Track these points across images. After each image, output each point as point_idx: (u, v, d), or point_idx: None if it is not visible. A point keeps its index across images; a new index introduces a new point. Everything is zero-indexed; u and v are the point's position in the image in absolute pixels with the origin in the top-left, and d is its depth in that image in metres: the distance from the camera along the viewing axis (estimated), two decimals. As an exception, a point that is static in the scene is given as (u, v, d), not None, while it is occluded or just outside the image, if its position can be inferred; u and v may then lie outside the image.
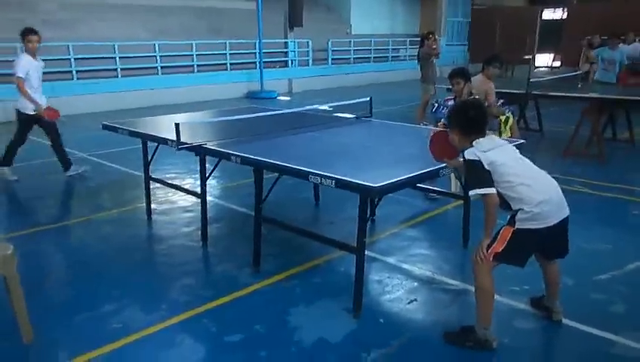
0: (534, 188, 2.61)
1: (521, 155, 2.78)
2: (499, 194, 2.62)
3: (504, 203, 2.66)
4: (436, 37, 9.63)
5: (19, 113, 6.06)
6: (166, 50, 13.57)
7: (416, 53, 9.72)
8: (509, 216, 2.70)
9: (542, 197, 2.61)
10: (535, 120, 8.76)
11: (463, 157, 2.71)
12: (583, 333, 2.94)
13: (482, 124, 2.75)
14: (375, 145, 3.93)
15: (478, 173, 2.62)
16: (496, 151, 2.65)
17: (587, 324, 3.00)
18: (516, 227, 2.64)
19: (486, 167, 2.60)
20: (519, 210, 2.62)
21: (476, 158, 2.62)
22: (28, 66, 5.91)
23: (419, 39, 10.07)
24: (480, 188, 2.60)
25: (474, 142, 2.68)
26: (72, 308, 3.25)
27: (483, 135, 2.73)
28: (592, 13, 18.29)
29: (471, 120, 2.74)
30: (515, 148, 2.82)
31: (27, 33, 5.95)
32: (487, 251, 2.67)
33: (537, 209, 2.59)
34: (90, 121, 9.82)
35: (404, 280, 3.64)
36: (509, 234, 2.65)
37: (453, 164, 3.00)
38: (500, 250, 2.65)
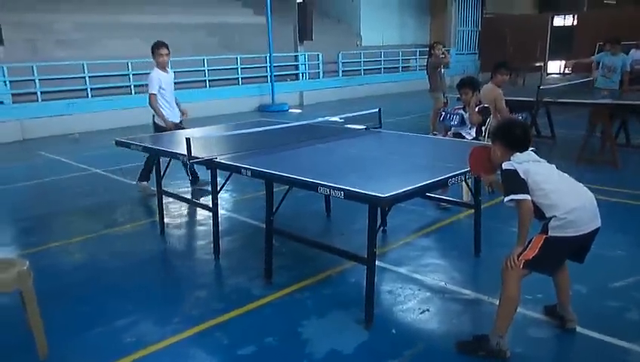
0: (568, 196, 2.67)
1: (554, 169, 2.81)
2: (533, 203, 2.65)
3: (538, 212, 2.69)
4: (443, 47, 9.66)
5: (155, 126, 6.10)
6: (178, 67, 13.74)
7: (425, 64, 9.80)
8: (541, 225, 2.73)
9: (575, 204, 2.65)
10: (547, 127, 8.71)
11: (501, 170, 2.75)
12: (597, 341, 2.91)
13: (526, 143, 2.81)
14: (384, 155, 3.94)
15: (514, 181, 2.67)
16: (532, 163, 2.72)
17: (601, 332, 2.96)
18: (549, 235, 2.67)
19: (521, 175, 2.65)
20: (552, 217, 2.64)
21: (512, 168, 2.68)
22: (159, 81, 5.98)
23: (428, 49, 10.14)
24: (515, 193, 2.64)
25: (512, 156, 2.75)
26: (87, 323, 3.29)
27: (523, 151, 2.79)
28: (602, 19, 18.21)
29: (516, 138, 2.79)
30: (550, 164, 2.84)
31: (157, 47, 6.00)
32: (518, 259, 2.68)
33: (570, 216, 2.62)
34: (105, 137, 9.95)
35: (416, 290, 3.63)
36: (541, 242, 2.68)
37: (489, 180, 3.06)
38: (532, 257, 2.67)
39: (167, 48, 6.04)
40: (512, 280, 2.71)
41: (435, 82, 9.32)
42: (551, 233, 2.66)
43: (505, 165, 2.72)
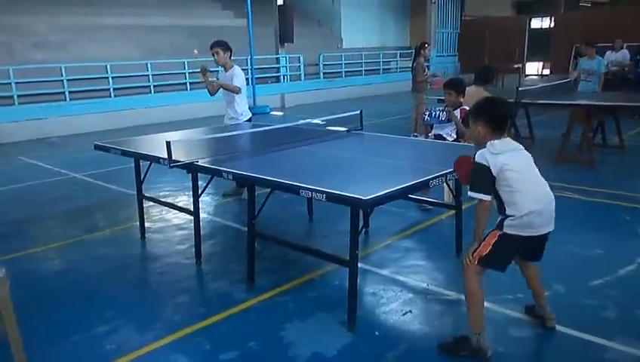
0: (530, 198, 2.68)
1: (530, 161, 2.79)
2: (498, 195, 2.70)
3: (501, 205, 2.74)
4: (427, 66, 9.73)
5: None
6: (158, 69, 13.63)
7: (410, 66, 9.82)
8: (498, 220, 2.77)
9: (535, 207, 2.67)
10: (526, 128, 8.82)
11: (473, 159, 2.74)
12: (576, 339, 2.95)
13: (506, 123, 2.84)
14: (366, 157, 3.95)
15: (481, 178, 2.69)
16: (508, 154, 2.69)
17: (580, 330, 3.01)
18: (503, 231, 2.72)
19: (493, 172, 2.65)
20: (510, 216, 2.69)
21: (485, 163, 2.67)
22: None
23: (412, 51, 10.16)
24: (478, 192, 2.69)
25: (488, 144, 2.71)
26: (67, 330, 3.23)
27: (504, 134, 2.77)
28: (578, 21, 18.53)
29: (498, 116, 2.78)
30: (527, 153, 2.82)
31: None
32: (473, 255, 2.74)
33: (527, 218, 2.66)
34: (83, 141, 9.85)
35: (398, 291, 3.64)
36: (495, 238, 2.73)
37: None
38: (485, 253, 2.72)
39: (219, 46, 5.84)
40: (471, 276, 2.77)
41: (422, 83, 9.37)
42: (506, 230, 2.71)
43: (478, 157, 2.71)
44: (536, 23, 22.66)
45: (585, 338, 2.95)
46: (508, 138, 2.80)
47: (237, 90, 5.82)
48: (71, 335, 3.17)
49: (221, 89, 5.91)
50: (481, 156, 2.70)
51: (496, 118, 2.77)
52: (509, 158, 2.67)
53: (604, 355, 2.81)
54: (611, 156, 7.72)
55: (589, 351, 2.86)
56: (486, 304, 3.33)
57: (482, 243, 2.74)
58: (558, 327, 3.04)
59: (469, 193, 2.73)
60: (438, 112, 5.33)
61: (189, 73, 14.03)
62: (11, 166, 8.59)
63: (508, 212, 2.70)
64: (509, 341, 2.99)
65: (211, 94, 6.00)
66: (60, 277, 4.12)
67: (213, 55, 5.88)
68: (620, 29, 14.06)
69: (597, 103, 7.23)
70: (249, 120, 6.05)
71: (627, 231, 4.68)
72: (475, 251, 2.75)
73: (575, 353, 2.86)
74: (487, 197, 2.67)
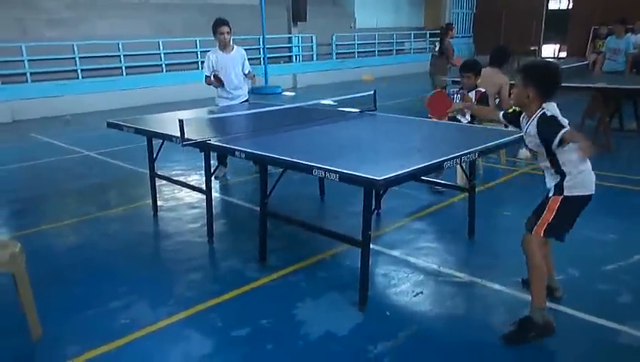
0: (582, 157, 2.65)
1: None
2: (554, 157, 2.67)
3: (557, 166, 2.70)
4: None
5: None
6: (170, 48, 13.59)
7: (426, 47, 9.87)
8: (554, 186, 2.74)
9: (587, 165, 2.70)
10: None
11: (541, 117, 2.66)
12: (589, 323, 2.94)
13: (557, 89, 2.72)
14: (379, 138, 3.93)
15: (557, 122, 2.61)
16: (562, 118, 2.66)
17: (593, 314, 3.00)
18: (564, 194, 2.70)
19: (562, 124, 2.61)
20: (567, 174, 2.66)
21: (552, 114, 2.63)
22: (209, 64, 5.82)
23: (427, 32, 10.15)
24: (563, 129, 2.57)
25: (545, 104, 2.67)
26: (80, 305, 3.28)
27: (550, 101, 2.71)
28: (597, 2, 18.11)
29: (551, 81, 2.69)
30: None
31: (216, 25, 5.71)
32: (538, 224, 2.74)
33: (582, 176, 2.67)
34: (95, 119, 9.89)
35: (409, 273, 3.64)
36: (559, 203, 2.71)
37: (454, 108, 3.21)
38: (550, 220, 2.71)
39: (228, 26, 5.64)
40: (535, 249, 2.73)
41: (444, 65, 9.42)
42: (567, 193, 2.68)
43: (549, 111, 2.64)
44: (554, 4, 22.19)
45: (598, 322, 2.93)
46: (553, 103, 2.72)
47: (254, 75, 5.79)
48: (86, 310, 3.22)
49: (217, 65, 5.74)
50: (551, 110, 2.65)
51: (549, 82, 2.68)
52: (563, 120, 2.65)
53: (616, 339, 2.79)
54: (628, 140, 7.60)
55: (602, 334, 2.84)
56: (497, 286, 3.37)
57: (543, 210, 2.74)
58: (571, 311, 3.03)
59: (558, 137, 2.54)
60: (452, 95, 5.27)
61: (200, 52, 13.97)
62: (25, 143, 8.66)
63: (565, 169, 2.66)
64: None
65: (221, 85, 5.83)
66: (74, 253, 4.17)
67: (221, 34, 5.67)
68: (640, 10, 13.72)
69: (615, 87, 7.09)
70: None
71: (642, 217, 4.62)
72: (537, 218, 2.74)
73: (587, 336, 2.85)
74: (567, 128, 2.59)
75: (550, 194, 2.76)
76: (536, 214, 2.81)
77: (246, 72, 5.89)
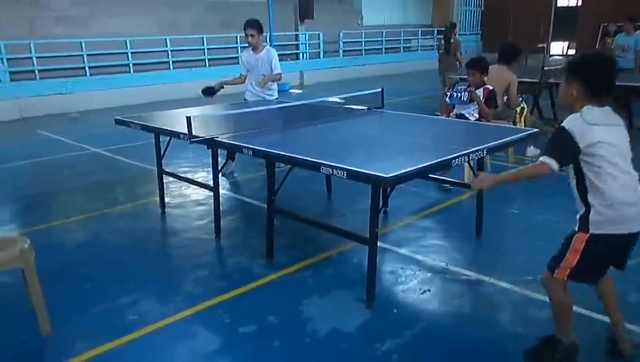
0: (622, 185, 2.21)
1: (628, 142, 2.31)
2: (581, 178, 2.25)
3: (583, 190, 2.28)
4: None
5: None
6: (177, 45, 13.62)
7: (435, 44, 9.91)
8: (579, 218, 2.34)
9: (626, 197, 2.21)
10: (549, 109, 8.66)
11: (558, 126, 2.28)
12: (598, 322, 2.92)
13: (609, 87, 2.28)
14: (387, 136, 3.92)
15: (560, 144, 2.24)
16: (605, 128, 2.22)
17: (602, 313, 2.97)
18: (590, 232, 2.26)
19: (579, 144, 2.17)
20: (591, 208, 2.24)
21: (571, 131, 2.20)
22: (242, 63, 6.00)
23: (435, 29, 10.17)
24: (551, 158, 2.21)
25: (585, 109, 2.25)
26: (89, 301, 3.30)
27: (602, 103, 2.28)
28: (607, 0, 17.95)
29: (600, 78, 2.26)
30: (626, 132, 2.32)
31: (244, 28, 5.74)
32: (560, 266, 2.37)
33: (616, 210, 2.20)
34: (103, 116, 9.92)
35: (417, 270, 3.63)
36: (583, 243, 2.28)
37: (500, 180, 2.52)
38: (575, 263, 2.29)
39: (254, 28, 5.66)
40: (556, 288, 2.43)
41: (453, 63, 9.45)
42: (593, 229, 2.24)
43: (568, 121, 2.22)
44: (562, 1, 22.04)
45: (606, 321, 2.91)
46: (608, 108, 2.31)
47: (280, 78, 5.86)
48: (93, 306, 3.23)
49: (247, 65, 5.85)
50: (572, 121, 2.23)
51: (597, 79, 2.26)
52: (606, 133, 2.20)
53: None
54: (637, 137, 7.52)
55: (611, 333, 2.82)
56: (505, 284, 3.35)
57: (567, 250, 2.33)
58: (580, 309, 3.01)
59: (541, 158, 2.22)
60: (460, 93, 5.25)
61: (207, 49, 13.99)
62: (33, 140, 8.71)
63: (590, 199, 2.23)
64: (528, 322, 2.97)
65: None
66: (82, 249, 4.19)
67: (246, 36, 5.73)
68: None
69: (624, 84, 7.02)
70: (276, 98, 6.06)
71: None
72: (558, 261, 2.34)
73: (596, 335, 2.83)
74: (556, 167, 2.20)
75: (575, 228, 2.34)
76: (559, 252, 2.39)
77: (275, 72, 5.88)
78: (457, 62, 9.49)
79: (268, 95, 5.95)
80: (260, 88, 5.84)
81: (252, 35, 5.69)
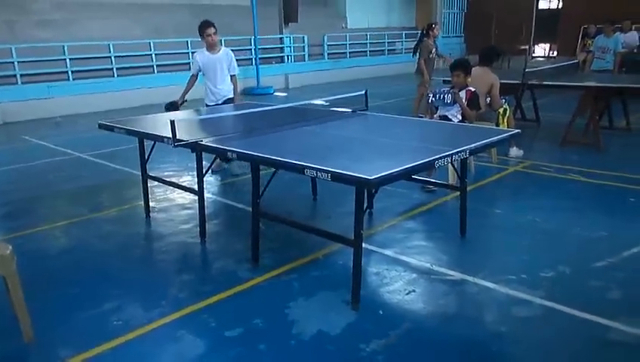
0: None
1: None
2: None
3: None
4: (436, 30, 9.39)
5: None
6: (161, 49, 13.55)
7: (415, 46, 9.47)
8: None
9: None
10: (531, 110, 8.76)
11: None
12: (580, 319, 2.96)
13: None
14: (371, 138, 3.94)
15: None
16: None
17: (584, 311, 3.02)
18: None
19: None
20: None
21: None
22: (197, 63, 6.03)
23: (419, 32, 9.84)
24: None
25: None
26: (73, 307, 3.26)
27: None
28: (587, 2, 18.24)
29: None
30: None
31: (202, 27, 5.86)
32: None
33: None
34: (87, 120, 9.84)
35: (402, 271, 3.65)
36: None
37: None
38: None
39: (214, 27, 5.80)
40: None
41: (429, 66, 9.05)
42: None
43: None
44: (544, 4, 22.33)
45: (588, 319, 2.96)
46: None
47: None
48: (78, 312, 3.20)
49: (203, 67, 5.93)
50: None
51: None
52: None
53: (606, 335, 2.82)
54: (618, 138, 7.66)
55: (592, 330, 2.87)
56: (489, 284, 3.39)
57: None
58: (562, 307, 3.06)
59: None
60: (443, 94, 5.30)
61: (192, 53, 13.92)
62: (16, 145, 8.60)
63: None
64: (512, 321, 3.00)
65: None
66: (66, 255, 4.15)
67: (208, 35, 5.81)
68: (630, 10, 13.84)
69: (605, 85, 7.15)
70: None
71: (632, 213, 4.66)
72: None
73: (578, 332, 2.87)
74: None
75: None
76: None
77: (232, 73, 6.03)
78: (429, 64, 8.92)
79: (227, 93, 6.03)
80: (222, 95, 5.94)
81: (214, 34, 5.77)
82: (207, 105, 6.05)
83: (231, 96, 6.10)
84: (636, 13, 13.17)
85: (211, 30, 5.79)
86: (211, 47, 5.90)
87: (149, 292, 3.44)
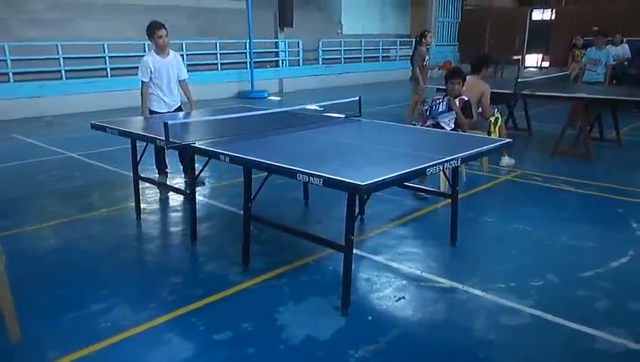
0: None
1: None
2: None
3: None
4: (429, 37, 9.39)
5: (150, 112, 5.65)
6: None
7: (410, 54, 9.45)
8: None
9: None
10: (523, 120, 8.83)
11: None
12: (567, 329, 2.99)
13: None
14: (364, 144, 3.95)
15: None
16: None
17: (571, 320, 3.04)
18: None
19: None
20: None
21: None
22: (147, 67, 5.58)
23: (413, 40, 9.84)
24: None
25: None
26: (61, 308, 3.24)
27: None
28: (579, 14, 18.47)
29: None
30: None
31: (153, 28, 5.55)
32: None
33: None
34: (80, 120, 9.80)
35: (392, 278, 3.67)
36: None
37: None
38: None
39: (166, 29, 5.52)
40: None
41: (423, 73, 9.04)
42: None
43: None
44: (537, 15, 22.55)
45: (575, 328, 2.98)
46: None
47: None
48: (66, 313, 3.18)
49: (155, 71, 5.53)
50: None
51: None
52: None
53: (593, 345, 2.84)
54: (607, 150, 7.74)
55: (579, 340, 2.89)
56: (478, 292, 3.41)
57: None
58: (549, 317, 3.08)
59: None
60: (438, 102, 5.32)
61: (186, 55, 13.92)
62: (7, 144, 8.54)
63: None
64: (500, 329, 3.02)
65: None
66: (55, 256, 4.12)
67: (159, 37, 5.50)
68: (621, 22, 14.02)
69: (596, 97, 7.23)
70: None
71: (620, 224, 4.71)
72: None
73: (565, 342, 2.90)
74: None
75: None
76: None
77: (183, 77, 5.76)
78: (424, 72, 8.88)
79: (178, 100, 5.76)
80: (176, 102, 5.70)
81: (165, 36, 5.49)
82: (151, 112, 5.57)
83: (179, 104, 5.78)
84: (626, 27, 13.34)
85: (163, 32, 5.51)
86: (162, 51, 5.59)
87: (138, 295, 3.43)
